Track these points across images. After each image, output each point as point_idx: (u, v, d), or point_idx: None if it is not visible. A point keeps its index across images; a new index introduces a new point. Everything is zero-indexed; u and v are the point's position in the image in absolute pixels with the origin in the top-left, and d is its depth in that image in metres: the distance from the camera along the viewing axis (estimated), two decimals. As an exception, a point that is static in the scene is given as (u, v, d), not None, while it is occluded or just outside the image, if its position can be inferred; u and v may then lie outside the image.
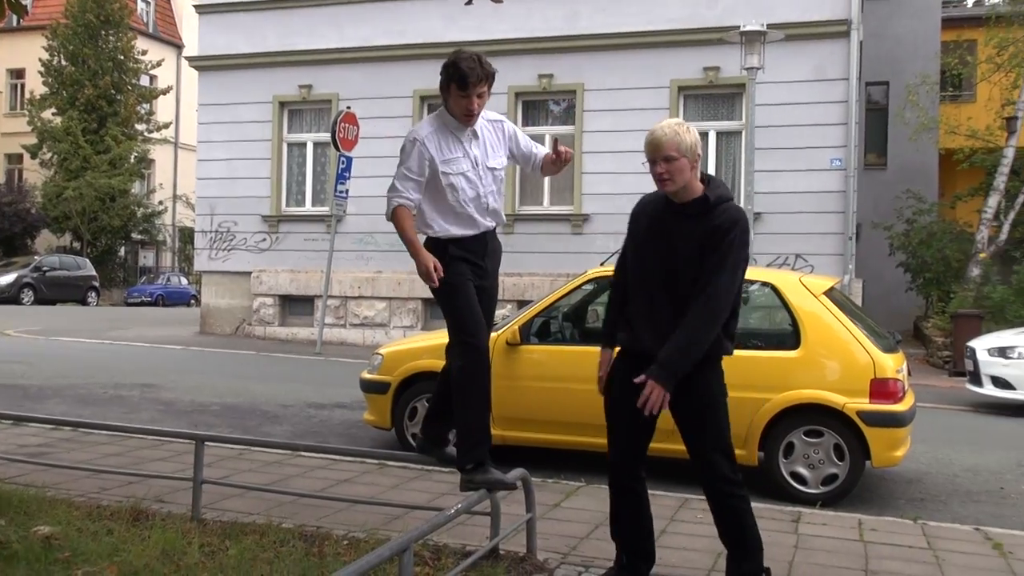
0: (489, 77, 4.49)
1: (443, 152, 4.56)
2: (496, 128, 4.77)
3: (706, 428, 3.89)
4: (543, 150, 4.83)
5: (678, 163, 3.76)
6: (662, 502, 5.63)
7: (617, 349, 4.13)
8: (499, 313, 7.80)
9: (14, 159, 39.92)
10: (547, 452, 7.09)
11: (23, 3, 6.10)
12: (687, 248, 3.79)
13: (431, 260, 4.42)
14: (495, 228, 4.75)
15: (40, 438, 7.22)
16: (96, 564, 4.24)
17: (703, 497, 4.05)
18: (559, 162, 4.69)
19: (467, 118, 4.56)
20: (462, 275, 4.54)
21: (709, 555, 4.78)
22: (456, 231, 4.59)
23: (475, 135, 4.64)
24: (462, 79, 4.42)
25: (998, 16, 21.10)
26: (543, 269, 15.88)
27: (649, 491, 4.17)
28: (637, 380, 3.77)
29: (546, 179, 16.66)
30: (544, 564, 4.54)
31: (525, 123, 16.82)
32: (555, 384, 6.88)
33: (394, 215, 4.51)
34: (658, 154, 3.78)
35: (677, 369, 3.74)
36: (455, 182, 4.56)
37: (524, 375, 6.98)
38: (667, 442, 4.43)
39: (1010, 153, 18.50)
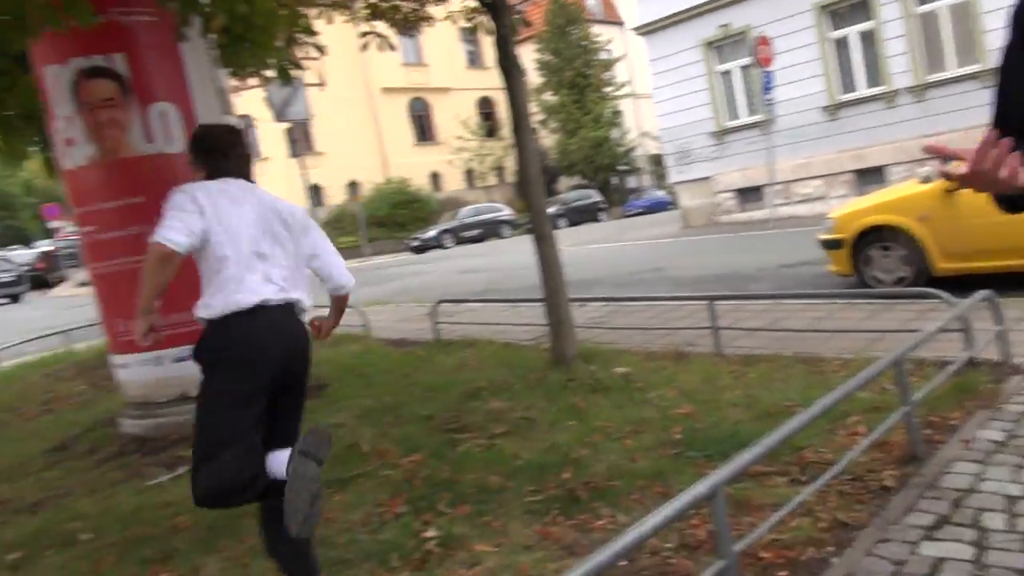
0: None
1: None
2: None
3: None
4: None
5: None
6: None
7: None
8: (923, 171, 6.83)
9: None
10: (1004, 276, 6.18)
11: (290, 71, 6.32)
12: None
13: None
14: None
15: (598, 312, 7.77)
16: (661, 388, 4.62)
17: None
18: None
19: None
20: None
21: None
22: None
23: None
24: None
25: None
26: (959, 125, 13.47)
27: None
28: None
29: (950, 40, 13.93)
30: (1020, 367, 4.01)
31: None
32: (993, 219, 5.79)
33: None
34: None
35: None
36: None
37: (966, 215, 6.10)
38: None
39: None
